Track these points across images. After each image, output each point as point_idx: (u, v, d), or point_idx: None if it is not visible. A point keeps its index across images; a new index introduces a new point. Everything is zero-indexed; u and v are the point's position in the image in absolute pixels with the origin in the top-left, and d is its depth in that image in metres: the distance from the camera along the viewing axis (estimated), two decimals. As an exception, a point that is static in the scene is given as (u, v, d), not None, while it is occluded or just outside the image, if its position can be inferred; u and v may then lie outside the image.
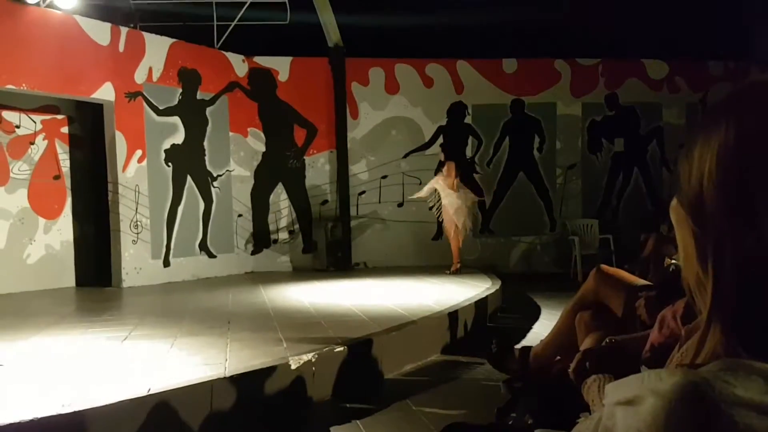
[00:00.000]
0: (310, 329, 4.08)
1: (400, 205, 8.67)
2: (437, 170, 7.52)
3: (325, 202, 8.54)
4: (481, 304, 5.24)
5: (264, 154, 8.40)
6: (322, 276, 7.49)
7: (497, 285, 6.10)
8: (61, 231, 7.03)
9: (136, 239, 7.01)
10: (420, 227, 8.66)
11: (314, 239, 8.42)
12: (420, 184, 8.59)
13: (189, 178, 7.61)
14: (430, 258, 8.39)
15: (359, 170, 8.63)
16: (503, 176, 8.91)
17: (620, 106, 9.04)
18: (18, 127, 6.72)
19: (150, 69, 7.18)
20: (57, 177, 7.02)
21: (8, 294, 6.33)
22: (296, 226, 8.49)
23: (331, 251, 8.15)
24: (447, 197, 7.04)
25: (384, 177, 8.66)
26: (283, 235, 8.48)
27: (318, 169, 8.57)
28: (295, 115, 8.45)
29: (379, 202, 8.66)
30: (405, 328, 4.07)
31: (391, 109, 8.72)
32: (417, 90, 8.70)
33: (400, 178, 8.67)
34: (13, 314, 5.17)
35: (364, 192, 8.60)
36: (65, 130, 7.14)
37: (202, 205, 7.75)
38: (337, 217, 8.44)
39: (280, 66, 8.38)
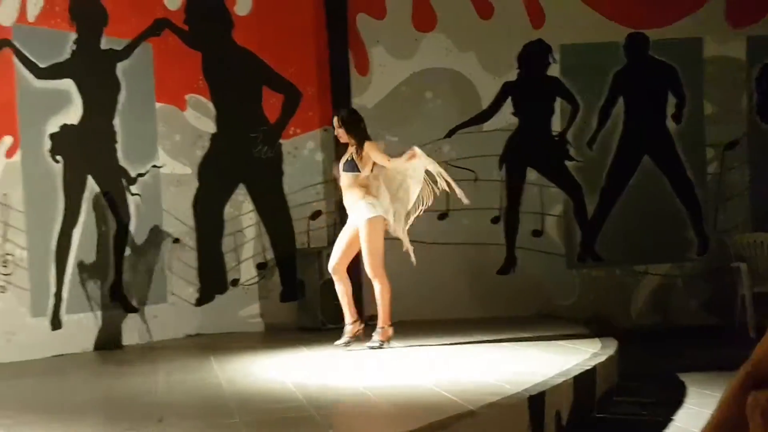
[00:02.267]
0: (295, 429, 4.10)
1: (443, 216, 8.57)
2: None
3: (317, 214, 8.53)
4: (584, 381, 5.27)
5: (214, 137, 8.47)
6: (315, 339, 7.46)
7: (611, 349, 6.15)
8: None
9: (5, 286, 7.05)
10: (477, 253, 8.65)
11: (300, 278, 8.39)
12: (476, 180, 8.43)
13: (90, 180, 7.68)
14: (495, 304, 8.40)
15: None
16: (617, 164, 8.89)
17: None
18: None
19: (23, 2, 7.25)
20: None
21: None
22: (269, 257, 8.51)
23: (327, 298, 8.04)
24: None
25: None
26: (249, 272, 8.50)
27: (303, 159, 8.64)
28: (264, 72, 8.54)
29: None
30: (456, 425, 4.07)
31: (424, 57, 8.78)
32: (467, 23, 8.74)
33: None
34: None
35: None
36: None
37: (112, 226, 7.81)
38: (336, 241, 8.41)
39: (238, -10, 8.51)
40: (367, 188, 6.66)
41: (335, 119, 6.82)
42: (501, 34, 8.75)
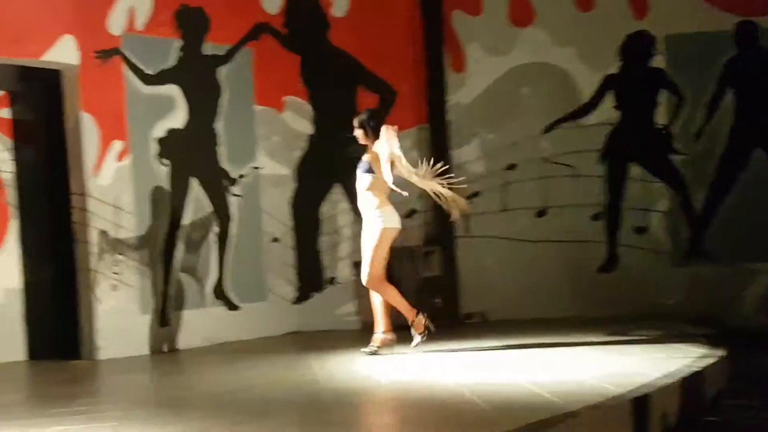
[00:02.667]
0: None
1: (541, 213, 8.52)
2: None
3: (412, 213, 8.54)
4: (692, 383, 5.16)
5: (311, 138, 8.60)
6: (410, 337, 7.34)
7: (720, 350, 6.02)
8: (5, 274, 7.41)
9: (116, 284, 7.27)
10: (577, 250, 8.56)
11: (396, 276, 8.35)
12: (575, 175, 8.38)
13: (194, 182, 7.89)
14: (596, 303, 8.29)
15: (468, 157, 8.66)
16: (727, 158, 8.66)
17: None
18: (-69, 112, 7.22)
19: (131, 11, 7.52)
20: None
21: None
22: None
23: (423, 296, 8.12)
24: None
25: (511, 167, 8.59)
26: (346, 271, 8.54)
27: None
28: (359, 72, 8.61)
29: (505, 211, 8.60)
30: (557, 426, 4.00)
31: (522, 52, 8.73)
32: (566, 16, 8.67)
33: (540, 167, 8.60)
34: None
35: (477, 194, 8.52)
36: (5, 113, 7.58)
37: (215, 226, 7.99)
38: (432, 239, 8.42)
39: (334, -8, 8.65)
40: (381, 191, 6.49)
41: (355, 121, 6.72)
42: (601, 26, 8.62)
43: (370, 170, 6.50)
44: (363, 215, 6.63)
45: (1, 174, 7.45)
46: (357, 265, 8.56)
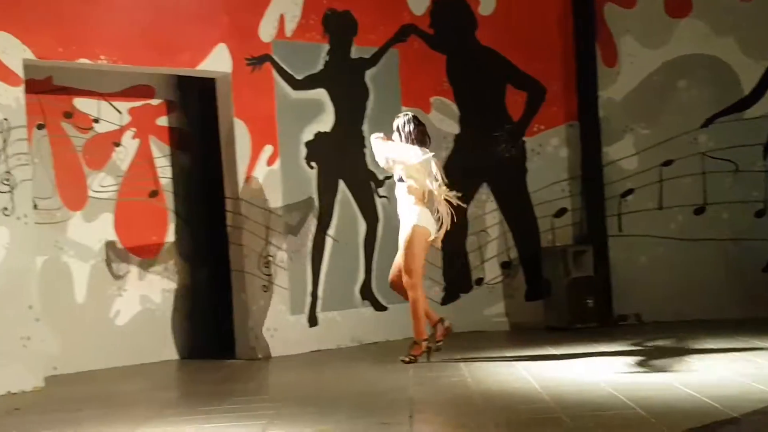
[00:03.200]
0: (542, 430, 4.08)
1: (700, 211, 8.28)
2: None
3: (562, 212, 8.48)
4: None
5: (457, 138, 8.62)
6: (562, 339, 7.44)
7: None
8: (162, 275, 7.80)
9: (268, 285, 7.49)
10: (739, 249, 8.31)
11: (546, 277, 8.37)
12: (736, 170, 8.10)
13: (341, 184, 8.03)
14: (759, 304, 8.00)
15: (621, 154, 8.51)
16: None
17: None
18: (97, 121, 7.62)
19: (281, 18, 7.75)
20: (154, 193, 7.86)
21: (89, 371, 7.18)
22: (514, 256, 8.55)
23: (575, 297, 8.09)
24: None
25: (667, 163, 8.41)
26: (493, 272, 8.57)
27: (548, 157, 8.59)
28: (508, 70, 8.58)
29: (660, 209, 8.41)
30: None
31: (678, 44, 8.49)
32: (726, 5, 8.39)
33: (699, 162, 8.37)
34: (96, 403, 5.87)
35: (631, 192, 8.44)
36: (162, 121, 7.99)
37: (362, 227, 8.10)
38: (584, 238, 8.37)
39: (481, -9, 8.67)
40: (417, 197, 6.54)
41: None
42: (764, 14, 8.28)
43: (401, 178, 6.61)
44: (401, 220, 6.69)
45: (159, 179, 7.81)
46: (505, 265, 8.57)
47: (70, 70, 7.12)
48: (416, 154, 6.54)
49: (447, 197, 6.53)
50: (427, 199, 6.60)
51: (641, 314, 8.33)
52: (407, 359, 6.53)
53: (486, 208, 8.60)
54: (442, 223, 6.59)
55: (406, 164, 6.53)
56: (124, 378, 6.93)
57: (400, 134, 6.75)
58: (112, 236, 7.57)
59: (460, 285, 8.59)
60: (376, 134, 6.80)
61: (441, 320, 6.77)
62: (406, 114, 6.87)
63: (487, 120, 8.58)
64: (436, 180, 6.47)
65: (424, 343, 6.60)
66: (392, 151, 6.63)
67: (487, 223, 8.60)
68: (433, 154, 6.62)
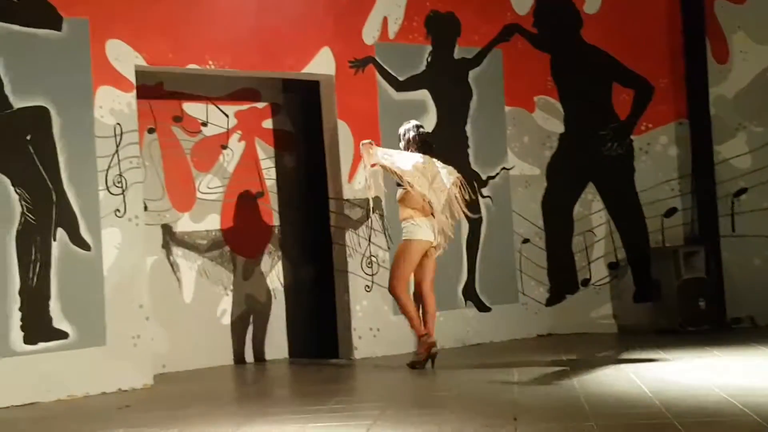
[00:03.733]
0: None
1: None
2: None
3: (672, 211, 8.36)
4: None
5: (562, 137, 8.57)
6: (672, 342, 7.29)
7: None
8: (268, 274, 7.95)
9: (370, 285, 7.56)
10: None
11: (654, 277, 8.23)
12: None
13: None
14: None
15: (733, 152, 8.32)
16: None
17: None
18: (205, 124, 7.79)
19: (384, 20, 7.83)
20: (260, 194, 7.99)
21: (196, 370, 7.32)
22: (621, 256, 8.44)
23: (685, 298, 7.96)
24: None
25: None
26: (599, 272, 8.47)
27: (656, 155, 8.46)
28: (614, 68, 8.50)
29: None
30: None
31: None
32: None
33: None
34: (202, 401, 6.00)
35: (744, 191, 8.25)
36: (268, 124, 8.14)
37: (465, 227, 8.08)
38: (694, 239, 8.23)
39: (587, -10, 8.61)
40: (411, 205, 6.63)
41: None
42: None
43: (399, 183, 6.70)
44: None
45: (264, 181, 7.95)
46: (612, 266, 8.44)
47: (180, 75, 7.29)
48: (411, 160, 6.63)
49: (452, 204, 6.74)
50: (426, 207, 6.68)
51: (755, 317, 8.11)
52: (414, 363, 6.66)
53: (592, 208, 8.50)
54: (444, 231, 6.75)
55: (401, 171, 6.60)
56: (229, 376, 7.08)
57: (402, 141, 6.86)
58: (219, 236, 7.74)
59: (565, 286, 8.51)
60: (365, 141, 6.81)
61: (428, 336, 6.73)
62: (410, 122, 6.93)
63: (593, 119, 8.49)
64: (436, 186, 6.63)
65: (427, 339, 6.63)
66: (386, 158, 6.66)
67: (593, 223, 8.50)
68: (440, 163, 6.80)
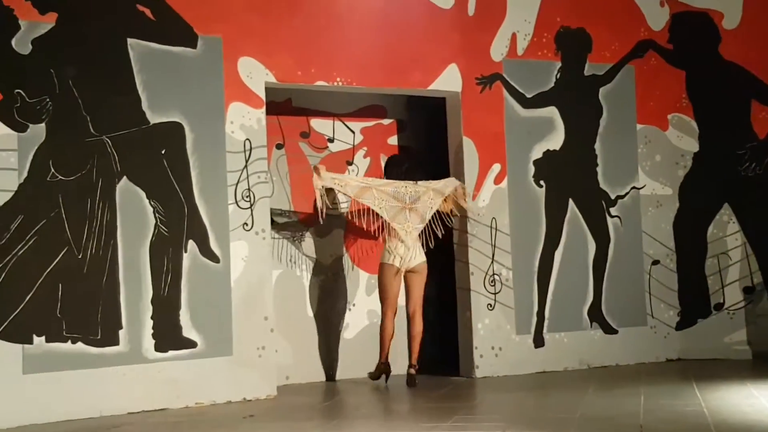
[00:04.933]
0: None
1: None
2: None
3: None
4: None
5: (697, 156, 8.36)
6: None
7: None
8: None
9: (493, 303, 7.54)
10: None
11: None
12: None
13: (571, 204, 7.95)
14: None
15: None
16: None
17: None
18: (331, 140, 7.91)
19: (513, 37, 7.79)
20: None
21: (318, 382, 7.46)
22: (758, 280, 8.21)
23: None
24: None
25: None
26: (734, 296, 8.24)
27: None
28: (753, 85, 8.26)
29: None
30: None
31: None
32: None
33: None
34: (324, 413, 6.14)
35: None
36: (393, 140, 8.19)
37: (592, 247, 7.99)
38: None
39: (726, 4, 8.29)
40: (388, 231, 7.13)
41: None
42: None
43: None
44: None
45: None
46: (748, 290, 8.13)
47: (308, 91, 7.44)
48: (366, 183, 7.19)
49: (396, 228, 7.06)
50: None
51: None
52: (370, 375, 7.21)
53: (727, 230, 8.25)
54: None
55: (347, 194, 7.20)
56: (351, 390, 7.13)
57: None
58: (342, 251, 7.83)
59: (697, 309, 8.26)
60: (317, 165, 7.16)
61: (387, 363, 7.16)
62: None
63: (730, 137, 8.23)
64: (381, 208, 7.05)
65: (381, 365, 7.12)
66: (335, 181, 7.05)
67: (728, 246, 8.24)
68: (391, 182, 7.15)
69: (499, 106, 7.67)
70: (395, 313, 7.18)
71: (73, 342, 5.97)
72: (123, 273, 6.18)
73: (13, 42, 5.94)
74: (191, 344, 6.36)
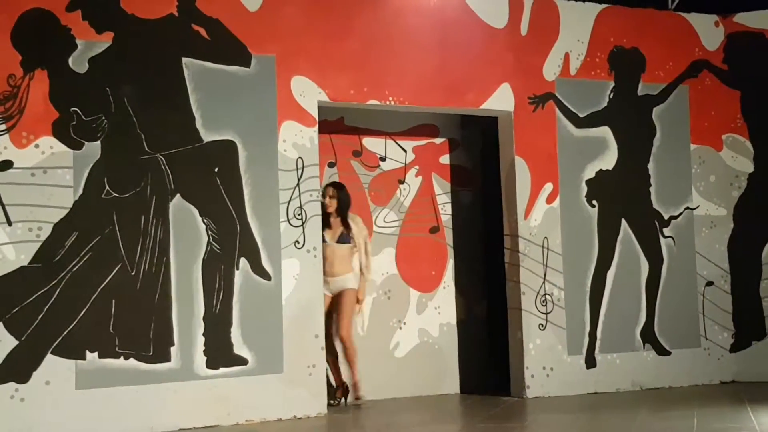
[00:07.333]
0: None
1: None
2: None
3: None
4: None
5: (752, 177, 8.17)
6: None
7: None
8: (441, 310, 7.85)
9: (544, 323, 7.36)
10: None
11: None
12: None
13: (624, 223, 7.78)
14: None
15: None
16: None
17: None
18: (383, 159, 7.75)
19: (566, 56, 7.64)
20: (435, 229, 7.91)
21: (369, 401, 7.25)
22: None
23: None
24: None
25: None
26: None
27: None
28: None
29: None
30: None
31: None
32: None
33: None
34: None
35: None
36: (445, 159, 8.03)
37: (645, 268, 7.81)
38: None
39: (782, 25, 8.25)
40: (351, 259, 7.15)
41: (329, 189, 7.10)
42: None
43: (347, 240, 7.09)
44: (335, 278, 7.07)
45: (440, 215, 7.85)
46: (803, 313, 7.85)
47: (360, 110, 7.33)
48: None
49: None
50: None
51: None
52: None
53: (787, 250, 8.07)
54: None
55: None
56: (402, 409, 6.99)
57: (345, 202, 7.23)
58: (394, 270, 7.66)
59: (752, 331, 8.00)
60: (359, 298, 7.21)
61: (344, 385, 7.12)
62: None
63: (787, 158, 8.04)
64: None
65: (339, 390, 7.11)
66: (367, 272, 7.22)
67: (786, 267, 8.05)
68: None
69: (551, 126, 7.51)
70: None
71: (126, 358, 5.88)
72: (175, 290, 6.09)
73: (70, 61, 5.90)
74: (242, 361, 6.22)
